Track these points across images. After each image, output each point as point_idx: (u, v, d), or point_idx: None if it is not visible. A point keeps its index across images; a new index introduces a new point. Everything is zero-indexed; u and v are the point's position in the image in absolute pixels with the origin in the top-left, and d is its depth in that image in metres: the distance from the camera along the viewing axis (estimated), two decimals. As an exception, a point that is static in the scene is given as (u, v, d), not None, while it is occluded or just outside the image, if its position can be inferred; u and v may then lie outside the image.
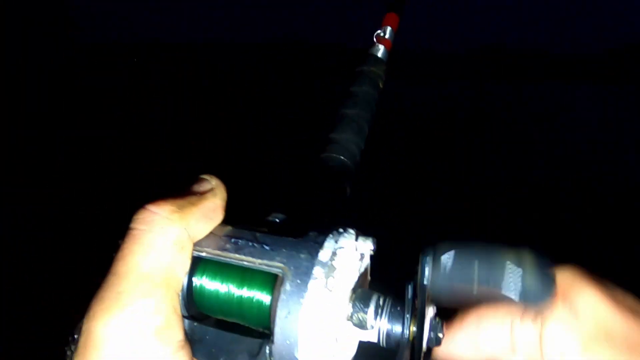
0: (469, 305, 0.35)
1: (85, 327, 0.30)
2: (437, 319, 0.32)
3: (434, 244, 0.34)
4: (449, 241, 0.33)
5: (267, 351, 0.31)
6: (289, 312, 0.30)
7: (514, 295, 0.31)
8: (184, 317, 0.34)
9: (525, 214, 4.00)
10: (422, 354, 0.31)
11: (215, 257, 0.33)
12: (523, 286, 0.31)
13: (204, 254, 0.34)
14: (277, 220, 0.38)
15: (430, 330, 0.32)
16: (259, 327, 0.34)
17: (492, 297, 0.32)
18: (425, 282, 0.32)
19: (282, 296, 0.30)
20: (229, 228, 0.35)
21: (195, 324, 0.34)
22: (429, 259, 0.32)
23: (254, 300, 0.33)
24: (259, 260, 0.32)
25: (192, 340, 0.33)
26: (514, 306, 0.31)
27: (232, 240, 0.34)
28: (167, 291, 0.31)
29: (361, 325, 0.32)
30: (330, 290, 0.30)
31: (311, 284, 0.30)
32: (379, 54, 0.57)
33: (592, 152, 6.62)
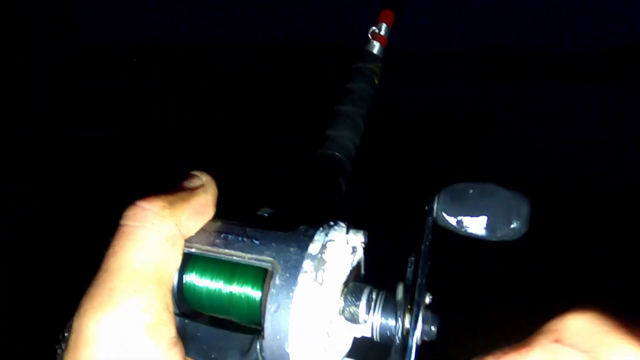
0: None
1: (75, 325, 0.30)
2: (431, 312, 0.32)
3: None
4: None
5: (258, 347, 0.31)
6: (278, 307, 0.30)
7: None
8: (175, 314, 0.33)
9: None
10: (417, 348, 0.31)
11: (205, 252, 0.33)
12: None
13: (193, 250, 0.33)
14: (266, 215, 0.38)
15: (424, 323, 0.31)
16: (250, 323, 0.34)
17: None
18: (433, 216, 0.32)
19: (272, 290, 0.30)
20: (219, 223, 0.35)
21: (186, 321, 0.34)
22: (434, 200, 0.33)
23: (244, 295, 0.33)
24: (249, 255, 0.32)
25: (184, 337, 0.33)
26: None
27: (222, 235, 0.33)
28: (159, 288, 0.31)
29: (353, 319, 0.32)
30: (320, 284, 0.30)
31: (301, 277, 0.30)
32: (375, 51, 0.57)
33: (592, 152, 6.61)
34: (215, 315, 0.35)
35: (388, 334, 0.32)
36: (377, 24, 0.58)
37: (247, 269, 0.33)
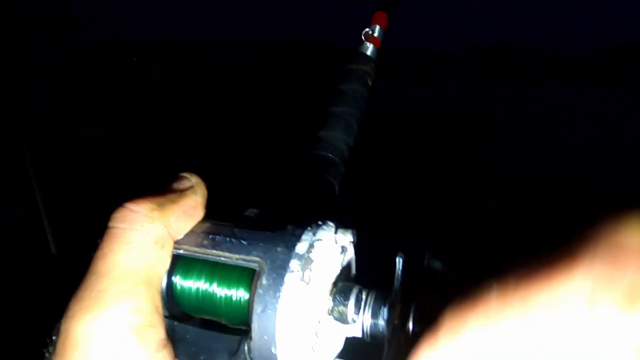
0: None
1: (64, 328, 0.29)
2: (422, 311, 0.32)
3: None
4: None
5: (246, 348, 0.31)
6: (265, 307, 0.30)
7: None
8: (165, 317, 0.33)
9: (525, 214, 4.00)
10: (408, 347, 0.31)
11: (193, 254, 0.33)
12: None
13: (182, 251, 0.33)
14: (253, 216, 0.38)
15: (414, 323, 0.31)
16: (239, 324, 0.34)
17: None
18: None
19: (259, 291, 0.30)
20: (207, 224, 0.35)
21: (176, 323, 0.34)
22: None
23: (232, 296, 0.33)
24: (236, 256, 0.32)
25: (173, 339, 0.33)
26: None
27: (210, 236, 0.33)
28: (148, 290, 0.31)
29: (342, 319, 0.32)
30: (307, 283, 0.30)
31: (288, 277, 0.30)
32: (368, 52, 0.57)
33: (592, 152, 6.61)
34: (204, 317, 0.35)
35: (378, 333, 0.32)
36: (370, 25, 0.58)
37: (235, 270, 0.33)
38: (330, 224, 0.33)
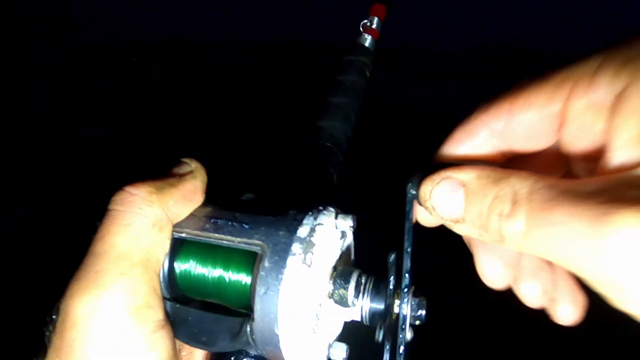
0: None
1: (63, 307, 0.31)
2: (420, 297, 0.32)
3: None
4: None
5: (248, 329, 0.32)
6: (267, 289, 0.30)
7: None
8: (166, 299, 0.34)
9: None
10: (405, 331, 0.31)
11: (195, 237, 0.33)
12: None
13: (184, 235, 0.34)
14: (249, 200, 0.39)
15: (412, 308, 0.32)
16: (240, 307, 0.34)
17: None
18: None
19: (261, 273, 0.30)
20: (208, 209, 0.35)
21: (177, 305, 0.34)
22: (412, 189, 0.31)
23: (235, 279, 0.33)
24: (238, 239, 0.32)
25: (174, 321, 0.34)
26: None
27: (212, 220, 0.34)
28: (145, 271, 0.32)
29: (342, 302, 0.32)
30: (309, 266, 0.31)
31: (290, 260, 0.30)
32: (366, 44, 0.58)
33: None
34: (206, 299, 0.36)
35: (377, 317, 0.32)
36: (368, 16, 0.59)
37: (236, 253, 0.33)
38: (331, 209, 0.34)
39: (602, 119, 0.24)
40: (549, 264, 0.32)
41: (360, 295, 0.33)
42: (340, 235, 0.34)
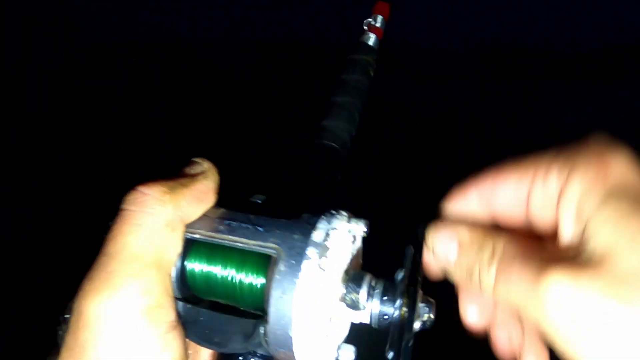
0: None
1: (76, 307, 0.31)
2: (429, 301, 0.32)
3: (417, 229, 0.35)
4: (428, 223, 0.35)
5: (262, 331, 0.32)
6: (283, 292, 0.30)
7: None
8: (177, 299, 0.34)
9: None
10: (414, 335, 0.31)
11: (209, 238, 0.33)
12: None
13: (197, 236, 0.34)
14: (259, 201, 0.38)
15: (422, 312, 0.32)
16: (252, 308, 0.34)
17: None
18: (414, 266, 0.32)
19: (277, 276, 0.30)
20: (222, 210, 0.35)
21: (188, 306, 0.34)
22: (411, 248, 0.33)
23: (248, 281, 0.33)
24: (253, 242, 0.32)
25: (185, 322, 0.34)
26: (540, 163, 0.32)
27: (226, 222, 0.34)
28: (158, 272, 0.32)
29: (354, 305, 0.32)
30: (324, 270, 0.31)
31: (305, 264, 0.30)
32: (370, 42, 0.57)
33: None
34: (218, 300, 0.35)
35: (386, 320, 0.32)
36: (372, 15, 0.58)
37: (250, 255, 0.33)
38: (344, 213, 0.34)
39: (553, 205, 0.31)
40: (519, 317, 0.37)
41: (371, 298, 0.33)
42: (352, 239, 0.34)
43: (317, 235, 0.32)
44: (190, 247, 0.35)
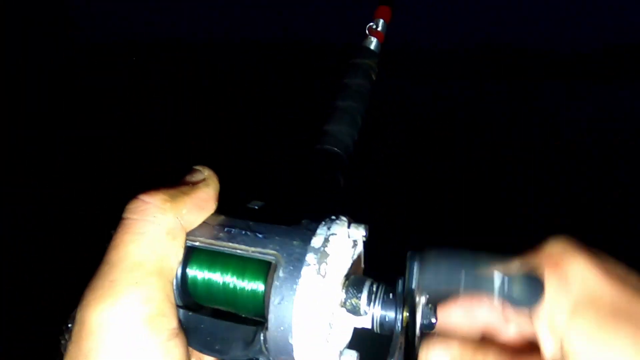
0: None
1: (79, 316, 0.31)
2: (430, 305, 0.32)
3: (421, 249, 0.34)
4: (436, 248, 0.34)
5: (262, 338, 0.32)
6: (282, 299, 0.30)
7: (501, 301, 0.32)
8: (179, 307, 0.34)
9: (524, 214, 4.00)
10: (416, 339, 0.31)
11: (209, 246, 0.33)
12: (511, 292, 0.31)
13: (197, 244, 0.34)
14: (257, 207, 0.38)
15: (422, 316, 0.32)
16: (253, 315, 0.34)
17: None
18: (413, 287, 0.32)
19: (276, 283, 0.30)
20: (222, 217, 0.35)
21: (190, 313, 0.34)
22: (416, 264, 0.33)
23: (248, 288, 0.33)
24: (252, 248, 0.32)
25: (187, 329, 0.34)
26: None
27: (226, 229, 0.34)
28: (159, 280, 0.31)
29: (355, 311, 0.32)
30: (323, 276, 0.31)
31: (304, 270, 0.30)
32: (372, 46, 0.57)
33: (592, 152, 6.61)
34: (218, 307, 0.35)
35: (388, 325, 0.32)
36: (373, 19, 0.58)
37: (250, 262, 0.33)
38: (344, 218, 0.34)
39: (527, 319, 0.32)
40: None
41: (372, 303, 0.33)
42: (352, 244, 0.34)
43: (316, 241, 0.32)
44: (191, 255, 0.35)
